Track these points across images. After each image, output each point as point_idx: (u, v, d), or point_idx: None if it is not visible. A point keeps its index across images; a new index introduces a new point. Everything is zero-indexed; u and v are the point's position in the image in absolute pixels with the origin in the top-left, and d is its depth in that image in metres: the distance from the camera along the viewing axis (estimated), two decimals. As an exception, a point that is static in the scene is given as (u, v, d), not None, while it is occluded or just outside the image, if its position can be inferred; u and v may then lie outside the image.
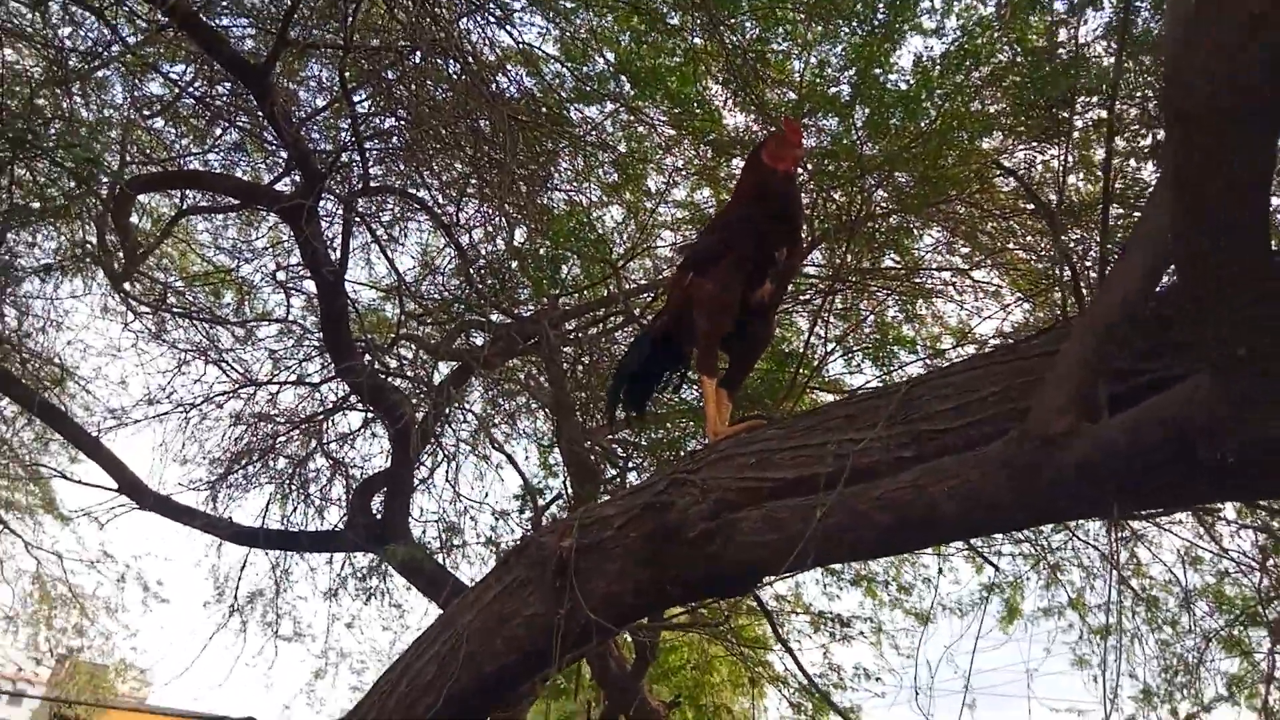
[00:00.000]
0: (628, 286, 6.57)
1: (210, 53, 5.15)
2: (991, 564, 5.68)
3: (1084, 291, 2.04)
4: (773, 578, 2.08)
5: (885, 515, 1.88)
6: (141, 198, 6.77)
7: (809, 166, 5.66)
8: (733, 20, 5.74)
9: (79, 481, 6.25)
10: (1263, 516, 5.82)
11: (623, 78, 6.32)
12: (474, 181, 6.23)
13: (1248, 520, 5.82)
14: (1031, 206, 5.97)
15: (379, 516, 6.13)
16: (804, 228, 2.82)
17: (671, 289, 2.84)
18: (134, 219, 6.51)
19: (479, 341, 6.68)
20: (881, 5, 5.65)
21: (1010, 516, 1.74)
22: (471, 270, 6.11)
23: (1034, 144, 6.03)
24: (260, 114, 5.63)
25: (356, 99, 5.78)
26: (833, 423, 2.16)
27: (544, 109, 6.20)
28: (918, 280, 6.79)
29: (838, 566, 6.46)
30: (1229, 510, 5.91)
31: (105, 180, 6.02)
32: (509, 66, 6.16)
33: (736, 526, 2.14)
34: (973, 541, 6.84)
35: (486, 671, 2.45)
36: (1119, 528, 6.00)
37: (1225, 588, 6.10)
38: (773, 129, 2.69)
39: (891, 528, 1.88)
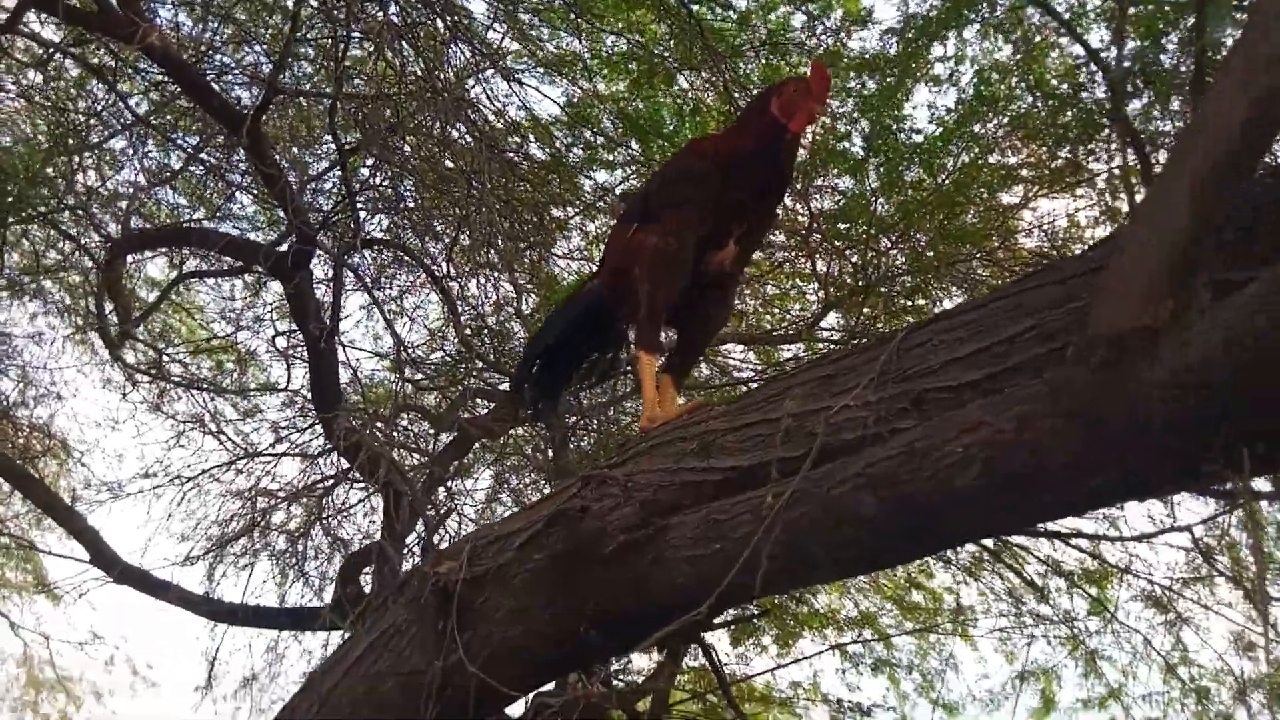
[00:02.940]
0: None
1: (198, 100, 4.70)
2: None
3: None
4: (728, 612, 1.33)
5: (872, 498, 1.15)
6: (146, 265, 6.35)
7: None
8: (736, 68, 5.21)
9: (47, 552, 5.63)
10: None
11: (633, 141, 5.84)
12: (475, 246, 5.69)
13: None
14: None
15: (366, 592, 5.38)
16: (786, 192, 2.13)
17: (610, 246, 2.17)
18: (134, 286, 6.06)
19: (484, 412, 6.05)
20: (894, 51, 5.10)
21: (1067, 484, 1.00)
22: (470, 333, 5.50)
23: (1057, 193, 5.40)
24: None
25: (357, 156, 5.32)
26: (802, 389, 1.44)
27: (554, 175, 5.71)
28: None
29: (856, 648, 5.55)
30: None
31: (98, 241, 5.59)
32: (516, 133, 5.69)
33: (669, 536, 1.42)
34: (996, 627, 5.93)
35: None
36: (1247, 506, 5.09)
37: (1285, 678, 5.14)
38: (786, 80, 2.02)
39: (882, 517, 1.15)
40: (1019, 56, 5.03)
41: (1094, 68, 4.82)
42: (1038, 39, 4.96)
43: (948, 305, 6.00)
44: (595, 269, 2.33)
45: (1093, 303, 0.98)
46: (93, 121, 5.54)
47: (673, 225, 1.88)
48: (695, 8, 4.90)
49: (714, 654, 2.44)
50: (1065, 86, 4.96)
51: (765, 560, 1.21)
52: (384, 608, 1.79)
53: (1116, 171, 4.97)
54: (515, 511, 1.77)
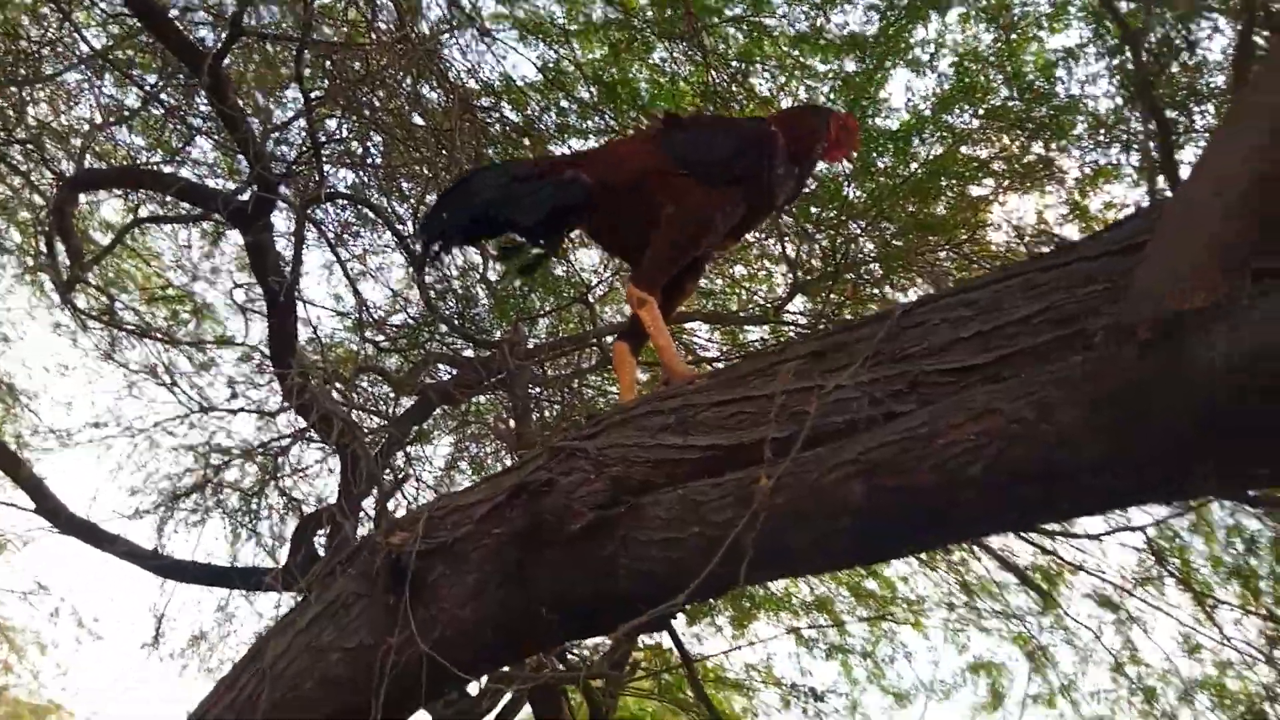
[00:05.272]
0: (601, 324, 5.78)
1: (158, 36, 4.45)
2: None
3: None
4: (692, 601, 1.22)
5: (865, 488, 1.05)
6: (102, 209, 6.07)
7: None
8: (715, 50, 5.06)
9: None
10: (1267, 604, 4.96)
11: (607, 112, 5.66)
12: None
13: (1252, 607, 4.96)
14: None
15: (320, 555, 5.21)
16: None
17: (622, 151, 2.03)
18: (87, 228, 5.78)
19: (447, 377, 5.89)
20: (872, 35, 4.98)
21: (1090, 481, 0.90)
22: (434, 295, 5.32)
23: (1026, 188, 5.33)
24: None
25: (323, 106, 5.09)
26: (791, 365, 1.33)
27: (526, 139, 5.53)
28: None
29: (811, 633, 5.49)
30: (1231, 596, 5.05)
31: (50, 179, 5.31)
32: (489, 95, 5.49)
33: (641, 516, 1.30)
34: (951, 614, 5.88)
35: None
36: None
37: (1228, 680, 5.17)
38: (838, 112, 2.08)
39: (877, 508, 1.05)
40: (999, 45, 4.93)
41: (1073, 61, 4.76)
42: (1019, 29, 4.88)
43: (914, 295, 5.92)
44: (575, 157, 2.18)
45: (1131, 282, 0.87)
46: (45, 52, 5.24)
47: (734, 197, 1.81)
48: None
49: (682, 642, 2.33)
50: (1041, 81, 4.89)
51: (750, 548, 1.10)
52: (332, 576, 1.66)
53: (1135, 148, 4.85)
54: (478, 481, 1.64)
